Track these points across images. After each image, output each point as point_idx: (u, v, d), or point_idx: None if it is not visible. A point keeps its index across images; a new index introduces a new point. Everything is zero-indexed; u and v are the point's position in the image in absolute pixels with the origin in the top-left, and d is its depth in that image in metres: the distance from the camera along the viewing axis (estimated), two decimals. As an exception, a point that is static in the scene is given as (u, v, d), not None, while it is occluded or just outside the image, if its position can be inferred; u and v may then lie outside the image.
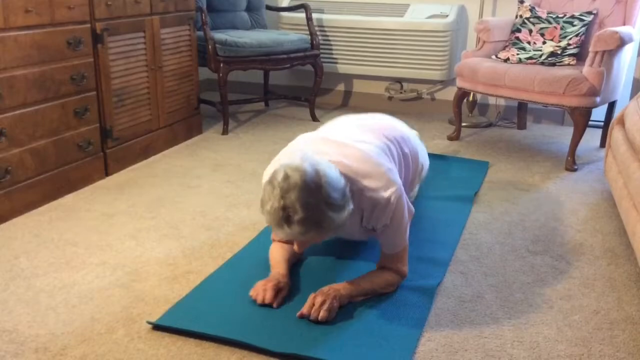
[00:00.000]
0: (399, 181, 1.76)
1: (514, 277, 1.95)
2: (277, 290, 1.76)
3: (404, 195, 1.77)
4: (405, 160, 2.04)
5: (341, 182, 1.57)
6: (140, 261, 2.02)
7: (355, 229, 1.82)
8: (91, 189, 2.65)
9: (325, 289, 1.72)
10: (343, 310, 1.72)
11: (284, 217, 1.49)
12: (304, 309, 1.67)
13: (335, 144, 1.78)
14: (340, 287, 1.74)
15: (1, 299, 1.78)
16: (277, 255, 1.92)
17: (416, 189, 2.39)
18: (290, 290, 1.81)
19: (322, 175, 1.52)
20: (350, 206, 1.59)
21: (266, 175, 1.78)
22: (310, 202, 1.48)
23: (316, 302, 1.67)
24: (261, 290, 1.75)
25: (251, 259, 2.02)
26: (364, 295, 1.78)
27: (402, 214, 1.75)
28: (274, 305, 1.72)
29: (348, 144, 1.77)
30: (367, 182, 1.69)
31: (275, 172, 1.54)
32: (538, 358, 1.55)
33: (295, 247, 1.67)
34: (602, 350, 1.58)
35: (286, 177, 1.50)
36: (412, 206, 1.87)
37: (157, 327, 1.65)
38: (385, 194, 1.69)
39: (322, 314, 1.64)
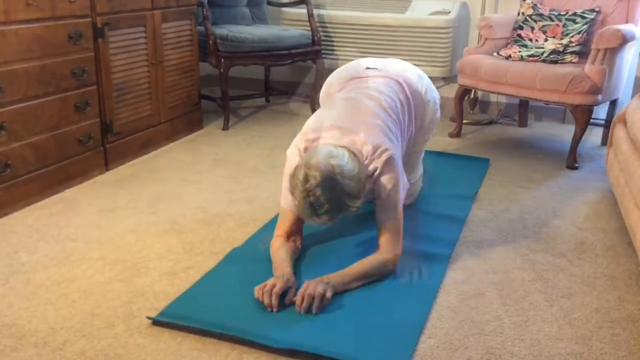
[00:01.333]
0: (395, 154, 1.87)
1: (515, 275, 1.95)
2: (283, 294, 1.73)
3: (398, 166, 1.88)
4: (408, 105, 2.15)
5: (355, 170, 1.73)
6: (140, 256, 2.01)
7: None
8: (91, 184, 2.64)
9: (313, 283, 1.72)
10: (343, 307, 1.72)
11: (312, 211, 1.71)
12: (297, 302, 1.70)
13: (343, 130, 1.88)
14: (331, 277, 1.78)
15: (1, 294, 1.77)
16: (281, 254, 1.89)
17: (431, 133, 2.38)
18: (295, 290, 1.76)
19: (337, 170, 1.70)
20: (367, 188, 1.79)
21: (291, 153, 1.92)
22: (331, 197, 1.69)
23: (306, 298, 1.69)
24: (267, 296, 1.70)
25: (251, 254, 2.01)
26: (357, 280, 1.82)
27: (393, 180, 1.85)
28: (275, 310, 1.70)
29: (354, 129, 1.88)
30: (368, 156, 1.85)
31: (297, 170, 1.74)
32: (539, 356, 1.55)
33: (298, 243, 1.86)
34: (602, 349, 1.58)
35: (306, 178, 1.69)
36: (406, 181, 2.00)
37: (157, 322, 1.64)
38: (378, 163, 1.84)
39: (314, 311, 1.68)
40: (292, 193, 1.75)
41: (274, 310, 1.68)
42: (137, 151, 2.98)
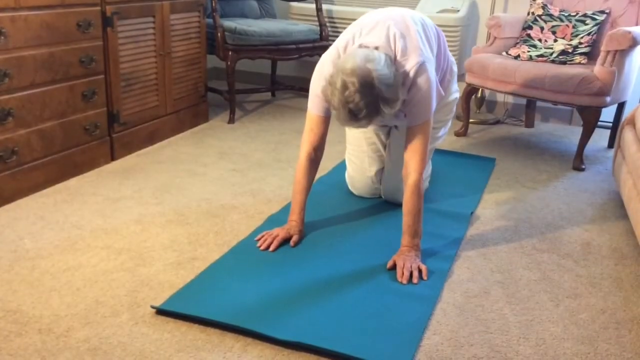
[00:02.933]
0: (428, 58, 1.95)
1: (520, 274, 1.94)
2: (285, 242, 2.02)
3: (430, 72, 1.93)
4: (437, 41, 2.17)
5: (391, 77, 1.78)
6: (145, 246, 2.01)
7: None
8: (97, 173, 2.64)
9: (403, 260, 1.89)
10: (348, 302, 1.71)
11: (352, 117, 1.77)
12: (399, 277, 1.86)
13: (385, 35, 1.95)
14: (409, 244, 1.94)
15: (5, 280, 1.77)
16: (299, 195, 2.07)
17: (454, 94, 2.41)
18: (302, 237, 2.07)
19: (374, 74, 1.74)
20: (402, 93, 1.84)
21: (328, 55, 2.01)
22: (369, 101, 1.74)
23: (405, 271, 1.86)
24: (269, 238, 2.01)
25: (256, 247, 2.01)
26: (419, 223, 1.95)
27: (424, 89, 1.91)
28: (272, 249, 1.98)
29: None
30: (402, 61, 1.91)
31: (333, 77, 1.78)
32: (544, 355, 1.54)
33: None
34: (608, 350, 1.58)
35: (345, 85, 1.74)
36: (442, 90, 2.10)
37: (161, 311, 1.64)
38: (411, 66, 1.90)
39: (415, 281, 1.84)
40: (330, 101, 1.81)
41: (270, 249, 1.97)
42: (143, 142, 2.97)
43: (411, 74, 1.90)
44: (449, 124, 2.43)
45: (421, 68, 1.91)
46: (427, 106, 1.94)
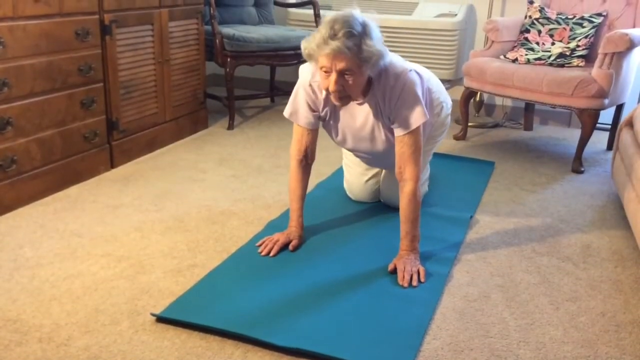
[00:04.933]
0: (418, 72, 1.98)
1: (520, 278, 1.94)
2: (285, 247, 2.04)
3: (419, 81, 1.95)
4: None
5: (380, 34, 1.84)
6: (145, 253, 2.01)
7: (377, 130, 2.06)
8: (96, 181, 2.64)
9: (403, 264, 1.90)
10: (348, 307, 1.71)
11: (331, 34, 1.75)
12: (400, 280, 1.87)
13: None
14: (408, 248, 1.95)
15: (5, 288, 1.77)
16: (295, 201, 2.10)
17: (441, 135, 2.42)
18: (302, 242, 2.09)
19: (367, 20, 1.82)
20: (385, 55, 1.84)
21: (307, 67, 2.03)
22: (354, 28, 1.76)
23: (406, 274, 1.87)
24: (270, 243, 2.03)
25: (256, 253, 2.01)
26: (417, 228, 1.97)
27: (414, 91, 1.92)
28: (272, 254, 2.00)
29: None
30: (394, 62, 1.95)
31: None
32: (544, 359, 1.54)
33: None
34: (608, 353, 1.57)
35: (336, 14, 1.80)
36: (435, 98, 2.18)
37: (161, 319, 1.64)
38: (400, 71, 1.93)
39: (415, 284, 1.86)
40: (311, 46, 1.79)
41: (271, 254, 1.99)
42: (143, 149, 2.98)
43: (402, 75, 1.92)
44: (444, 133, 2.41)
45: (412, 73, 1.93)
46: (416, 109, 1.92)
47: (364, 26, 1.80)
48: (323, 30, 1.78)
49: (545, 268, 2.01)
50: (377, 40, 1.82)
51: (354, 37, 1.76)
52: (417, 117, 1.93)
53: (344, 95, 1.85)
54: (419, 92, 1.93)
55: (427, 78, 2.23)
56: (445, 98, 2.33)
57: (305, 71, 2.03)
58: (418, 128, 1.94)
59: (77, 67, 2.49)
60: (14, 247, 2.03)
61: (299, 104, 2.05)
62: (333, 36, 1.75)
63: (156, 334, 1.59)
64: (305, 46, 1.83)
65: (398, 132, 1.96)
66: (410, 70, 1.93)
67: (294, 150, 2.10)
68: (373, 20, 1.88)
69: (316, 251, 2.05)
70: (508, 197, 2.62)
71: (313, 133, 2.09)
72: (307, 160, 2.11)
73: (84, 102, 2.56)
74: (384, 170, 2.37)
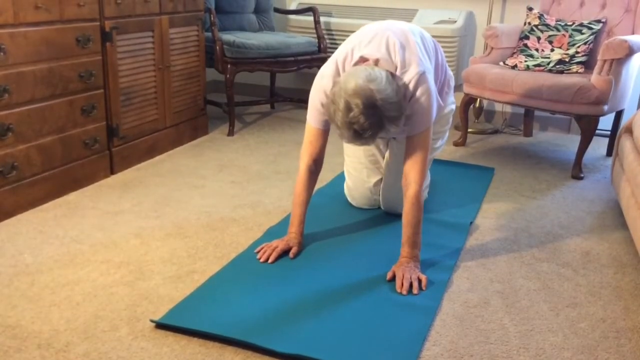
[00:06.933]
0: (428, 68, 1.96)
1: (520, 284, 1.94)
2: (284, 254, 2.03)
3: (430, 82, 1.95)
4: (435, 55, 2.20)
5: (393, 96, 1.78)
6: (144, 260, 2.01)
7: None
8: (96, 187, 2.64)
9: (403, 271, 1.89)
10: (348, 313, 1.71)
11: (357, 136, 1.78)
12: (398, 288, 1.86)
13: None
14: (408, 255, 1.94)
15: (5, 295, 1.77)
16: (298, 208, 2.08)
17: (450, 104, 2.43)
18: (301, 249, 2.08)
19: (378, 96, 1.74)
20: (405, 108, 1.85)
21: (327, 70, 2.01)
22: (373, 121, 1.75)
23: (405, 282, 1.86)
24: (268, 250, 2.02)
25: (255, 259, 2.01)
26: (418, 234, 1.97)
27: (428, 100, 1.93)
28: (271, 261, 1.99)
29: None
30: (402, 73, 1.93)
31: (335, 96, 1.77)
32: (544, 365, 1.54)
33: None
34: (608, 359, 1.57)
35: (348, 107, 1.73)
36: (440, 100, 2.12)
37: (160, 325, 1.64)
38: (411, 76, 1.92)
39: (415, 292, 1.84)
40: (332, 119, 1.81)
41: (270, 261, 1.98)
42: (143, 155, 2.98)
43: (411, 84, 1.92)
44: (446, 135, 2.45)
45: (421, 78, 1.92)
46: (427, 116, 1.95)
47: (377, 108, 1.75)
48: (341, 105, 1.75)
49: (545, 274, 2.01)
50: (394, 107, 1.77)
51: (378, 131, 1.78)
52: (426, 120, 1.94)
53: None
54: (429, 97, 1.94)
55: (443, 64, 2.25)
56: (451, 89, 2.37)
57: (327, 74, 2.00)
58: (428, 130, 1.96)
59: (77, 74, 2.50)
60: (13, 253, 2.03)
61: (314, 104, 2.04)
62: (359, 137, 1.78)
63: (155, 340, 1.58)
64: (324, 111, 1.88)
65: (408, 131, 1.97)
66: (420, 74, 1.92)
67: (305, 154, 2.09)
68: (409, 38, 1.94)
69: (316, 258, 2.05)
70: (508, 203, 2.62)
71: (324, 134, 2.07)
72: (316, 166, 2.09)
73: (85, 109, 2.57)
74: (385, 178, 2.38)
